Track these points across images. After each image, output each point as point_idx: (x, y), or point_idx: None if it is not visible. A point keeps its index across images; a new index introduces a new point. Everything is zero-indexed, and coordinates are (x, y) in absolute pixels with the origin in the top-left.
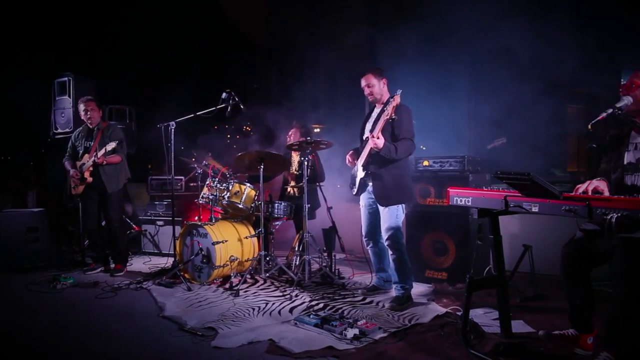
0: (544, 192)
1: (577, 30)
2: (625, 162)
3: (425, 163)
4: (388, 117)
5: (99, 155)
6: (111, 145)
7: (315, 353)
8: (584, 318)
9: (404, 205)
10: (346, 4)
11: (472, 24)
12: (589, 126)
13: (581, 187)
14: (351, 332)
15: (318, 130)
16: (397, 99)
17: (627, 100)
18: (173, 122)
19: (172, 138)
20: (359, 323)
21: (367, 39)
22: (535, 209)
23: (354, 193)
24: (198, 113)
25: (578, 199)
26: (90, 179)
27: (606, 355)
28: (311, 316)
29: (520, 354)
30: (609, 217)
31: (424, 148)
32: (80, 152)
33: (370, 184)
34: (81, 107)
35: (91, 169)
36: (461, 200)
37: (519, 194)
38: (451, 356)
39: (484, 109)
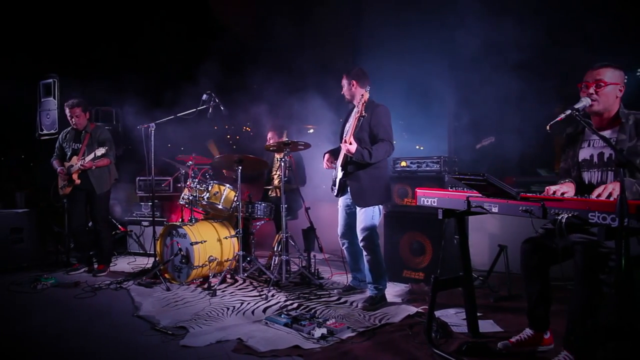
0: (501, 192)
1: (565, 29)
2: (580, 159)
3: (403, 163)
4: (358, 114)
5: (87, 160)
6: (100, 151)
7: (281, 352)
8: (539, 314)
9: (381, 206)
10: (332, 5)
11: (454, 23)
12: (547, 127)
13: (551, 189)
14: (319, 332)
15: (312, 131)
16: (366, 96)
17: (585, 101)
18: (153, 124)
19: (152, 139)
20: (327, 322)
21: (350, 40)
22: (495, 210)
23: (335, 194)
24: (179, 114)
25: (534, 199)
26: (78, 181)
27: (565, 354)
28: (282, 316)
29: (483, 353)
30: (559, 217)
31: (422, 148)
32: (68, 153)
33: (349, 186)
34: (67, 111)
35: (79, 172)
36: (428, 201)
37: (480, 195)
38: (415, 355)
39: (465, 109)
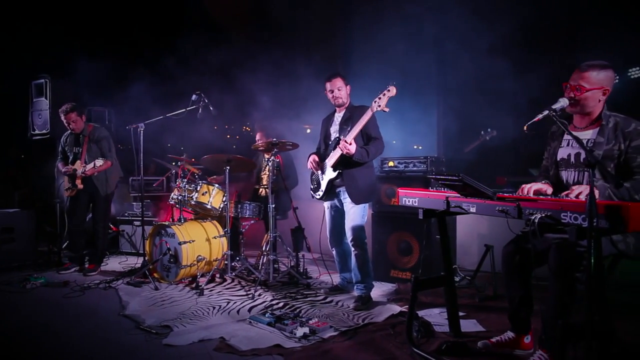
0: (478, 192)
1: (557, 28)
2: (558, 158)
3: (391, 163)
4: (362, 127)
5: (87, 169)
6: (99, 162)
7: (262, 351)
8: (521, 317)
9: (369, 204)
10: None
11: (440, 22)
12: (525, 127)
13: (526, 187)
14: (301, 331)
15: (309, 131)
16: (370, 114)
17: (563, 102)
18: (142, 124)
19: (142, 139)
20: (310, 322)
21: (341, 40)
22: (473, 210)
23: (319, 197)
24: (168, 115)
25: (510, 199)
26: (81, 186)
27: (540, 354)
28: (266, 315)
29: (462, 352)
30: (533, 217)
31: (420, 147)
32: (70, 157)
33: (342, 187)
34: (62, 118)
35: (82, 177)
36: (409, 201)
37: (459, 195)
38: (394, 355)
39: (456, 109)
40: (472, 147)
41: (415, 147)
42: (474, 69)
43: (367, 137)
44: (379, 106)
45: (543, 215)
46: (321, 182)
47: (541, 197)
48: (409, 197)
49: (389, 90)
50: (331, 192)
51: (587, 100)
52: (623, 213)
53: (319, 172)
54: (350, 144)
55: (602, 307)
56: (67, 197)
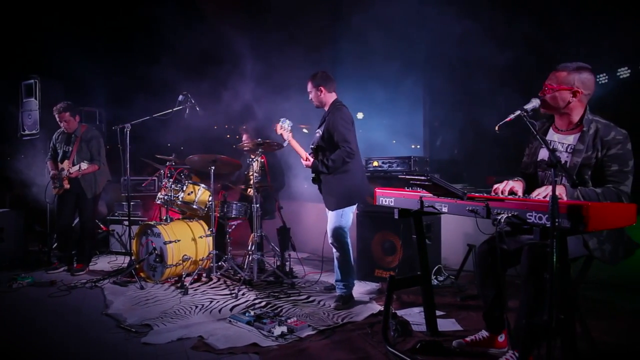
0: (448, 192)
1: (546, 27)
2: (538, 159)
3: (375, 163)
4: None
5: (72, 171)
6: (84, 166)
7: (238, 350)
8: (495, 316)
9: (353, 207)
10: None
11: (428, 28)
12: (496, 128)
13: (499, 187)
14: (279, 330)
15: (306, 130)
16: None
17: (535, 102)
18: (128, 124)
19: (128, 140)
20: (289, 321)
21: (331, 42)
22: (445, 209)
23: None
24: (154, 115)
25: (479, 199)
26: (67, 186)
27: (512, 353)
28: (247, 314)
29: (436, 352)
30: (499, 217)
31: (418, 147)
32: (60, 155)
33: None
34: (56, 117)
35: (67, 178)
36: (386, 201)
37: (432, 195)
38: (369, 354)
39: (439, 111)
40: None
41: (413, 146)
42: (465, 68)
43: (335, 145)
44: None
45: (509, 215)
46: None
47: (509, 197)
48: (386, 197)
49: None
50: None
51: (555, 100)
52: (584, 213)
53: None
54: (307, 159)
55: (568, 307)
56: (54, 195)
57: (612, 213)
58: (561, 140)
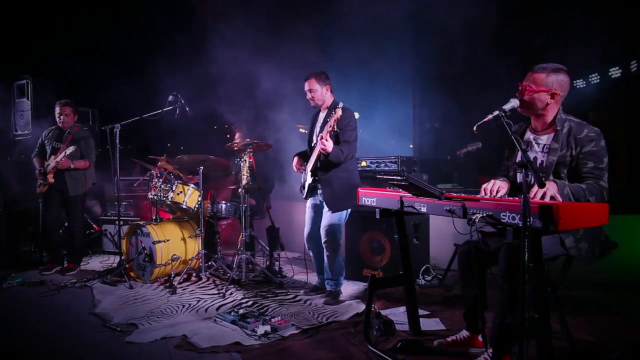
0: (426, 192)
1: (537, 25)
2: (517, 160)
3: (363, 163)
4: (331, 129)
5: (60, 158)
6: (70, 149)
7: (220, 348)
8: (475, 316)
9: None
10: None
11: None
12: (474, 128)
13: (487, 187)
14: (262, 329)
15: (302, 130)
16: (339, 113)
17: (514, 102)
18: (118, 125)
19: (117, 140)
20: (273, 320)
21: (320, 42)
22: (424, 209)
23: (304, 197)
24: (144, 115)
25: (456, 199)
26: (52, 180)
27: (490, 352)
28: (232, 313)
29: (417, 351)
30: (474, 217)
31: (412, 146)
32: (48, 151)
33: (320, 190)
34: (57, 109)
35: (54, 171)
36: (368, 201)
37: (411, 195)
38: (350, 353)
39: (429, 111)
40: (462, 151)
41: (410, 146)
42: (453, 67)
43: (339, 141)
44: (330, 127)
45: (484, 215)
46: (305, 182)
47: (485, 197)
48: (368, 197)
49: (335, 112)
50: (314, 190)
51: (534, 102)
52: (554, 212)
53: (304, 172)
54: (327, 140)
55: (543, 306)
56: (40, 193)
57: (584, 213)
58: (537, 141)
